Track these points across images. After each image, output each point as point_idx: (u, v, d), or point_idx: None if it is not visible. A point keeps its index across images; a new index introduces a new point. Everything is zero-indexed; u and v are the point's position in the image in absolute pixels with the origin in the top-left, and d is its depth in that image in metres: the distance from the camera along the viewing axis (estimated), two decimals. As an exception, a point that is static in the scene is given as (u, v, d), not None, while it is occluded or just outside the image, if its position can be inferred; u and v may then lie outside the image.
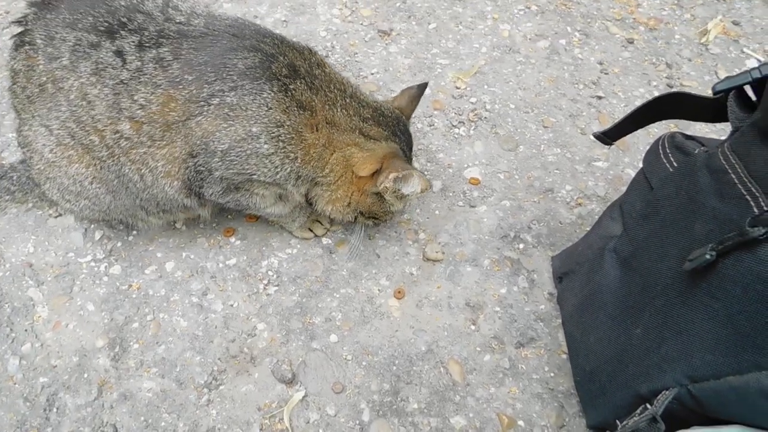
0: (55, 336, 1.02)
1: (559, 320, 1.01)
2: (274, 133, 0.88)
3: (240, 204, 1.00)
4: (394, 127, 0.99)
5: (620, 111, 1.31)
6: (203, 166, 0.91)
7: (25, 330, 1.02)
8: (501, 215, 1.15)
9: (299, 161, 0.91)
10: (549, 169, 1.21)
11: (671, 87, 1.37)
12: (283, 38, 0.95)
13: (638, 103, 1.33)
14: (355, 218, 1.02)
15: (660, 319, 0.71)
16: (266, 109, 0.87)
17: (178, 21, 0.92)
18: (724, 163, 0.65)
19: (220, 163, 0.90)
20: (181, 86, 0.87)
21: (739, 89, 0.73)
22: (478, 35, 1.46)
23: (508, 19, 1.50)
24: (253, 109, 0.87)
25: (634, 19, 1.52)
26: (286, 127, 0.88)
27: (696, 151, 0.73)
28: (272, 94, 0.87)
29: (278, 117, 0.87)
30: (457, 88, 1.34)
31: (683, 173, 0.72)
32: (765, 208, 0.58)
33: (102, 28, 0.89)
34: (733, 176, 0.63)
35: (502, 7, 1.53)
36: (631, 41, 1.46)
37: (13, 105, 0.99)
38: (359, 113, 0.95)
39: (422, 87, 1.09)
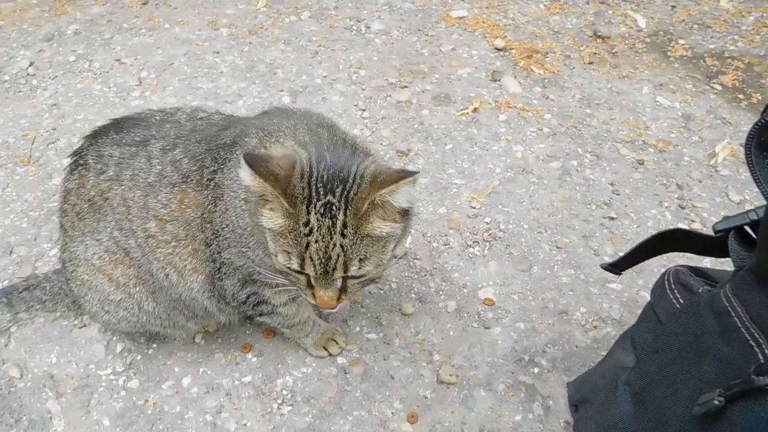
0: (69, 452, 1.02)
1: (576, 451, 0.98)
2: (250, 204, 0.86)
3: (257, 300, 0.99)
4: (329, 143, 0.84)
5: (633, 232, 1.34)
6: (216, 252, 0.94)
7: (40, 445, 1.03)
8: (515, 337, 1.15)
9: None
10: (563, 290, 1.23)
11: (683, 208, 1.41)
12: (274, 108, 0.99)
13: (650, 224, 1.37)
14: None
15: (675, 463, 0.70)
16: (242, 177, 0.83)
17: (198, 118, 1.01)
18: (726, 305, 0.67)
19: (224, 243, 0.92)
20: (189, 179, 0.93)
21: (740, 228, 0.75)
22: (493, 156, 1.53)
23: (521, 141, 1.57)
24: (238, 181, 0.86)
25: (643, 141, 1.58)
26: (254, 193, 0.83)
27: (700, 290, 0.74)
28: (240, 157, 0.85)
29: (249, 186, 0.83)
30: (472, 207, 1.39)
31: (689, 312, 0.74)
32: (769, 357, 0.59)
33: (138, 139, 0.98)
34: (736, 320, 0.65)
35: (515, 129, 1.61)
36: (641, 162, 1.52)
37: (60, 223, 1.06)
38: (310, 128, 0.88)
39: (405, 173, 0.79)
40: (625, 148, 1.56)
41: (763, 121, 0.51)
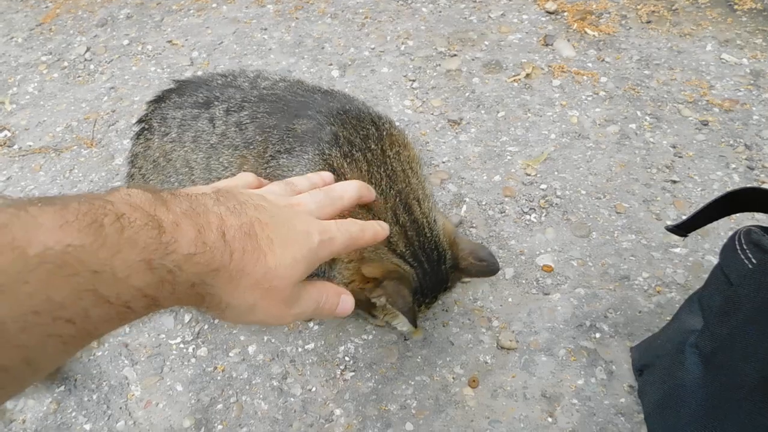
0: (147, 415, 1.08)
1: (641, 415, 0.97)
2: None
3: None
4: (421, 251, 0.90)
5: (697, 195, 1.30)
6: None
7: (120, 408, 1.09)
8: (575, 303, 1.14)
9: None
10: (624, 255, 1.21)
11: (752, 169, 1.35)
12: (347, 109, 0.96)
13: (716, 186, 1.32)
14: None
15: (749, 424, 0.68)
16: (304, 170, 0.90)
17: (262, 87, 1.02)
18: (806, 263, 0.64)
19: None
20: (252, 147, 0.95)
21: (819, 185, 0.72)
22: (547, 122, 1.50)
23: (576, 106, 1.54)
24: (296, 170, 0.91)
25: (707, 101, 1.51)
26: None
27: (775, 249, 0.72)
28: (310, 157, 0.91)
29: None
30: (528, 174, 1.38)
31: (763, 271, 0.71)
32: None
33: (201, 101, 1.00)
34: (817, 278, 0.62)
35: (569, 94, 1.57)
36: (705, 123, 1.46)
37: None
38: (395, 211, 0.89)
39: (493, 270, 0.96)
40: (687, 108, 1.50)
41: None
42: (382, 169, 0.90)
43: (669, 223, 1.14)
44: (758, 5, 1.75)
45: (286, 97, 0.99)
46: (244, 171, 0.95)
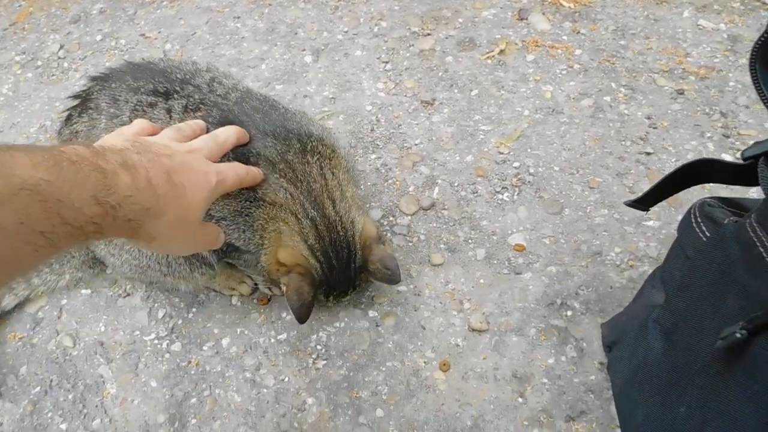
0: (122, 412, 1.09)
1: (611, 392, 0.97)
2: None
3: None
4: (331, 247, 0.97)
5: (670, 166, 1.28)
6: None
7: (96, 406, 1.10)
8: (547, 282, 1.13)
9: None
10: (596, 231, 1.19)
11: (727, 137, 1.33)
12: (277, 132, 0.99)
13: (690, 156, 1.30)
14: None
15: (702, 399, 0.68)
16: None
17: (217, 93, 1.02)
18: (752, 235, 0.63)
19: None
20: None
21: (771, 154, 0.70)
22: (521, 98, 1.48)
23: (550, 80, 1.51)
24: None
25: (683, 69, 1.49)
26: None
27: (726, 222, 0.70)
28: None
29: None
30: (501, 153, 1.36)
31: (715, 244, 0.70)
32: (794, 286, 0.56)
33: (161, 91, 1.01)
34: (762, 250, 0.61)
35: (543, 69, 1.54)
36: (681, 92, 1.43)
37: None
38: (304, 205, 0.96)
39: (394, 280, 1.03)
40: (662, 78, 1.47)
41: (766, 35, 0.46)
42: (298, 171, 0.97)
43: (644, 187, 1.12)
44: (734, -33, 1.71)
45: (234, 111, 1.00)
46: None
